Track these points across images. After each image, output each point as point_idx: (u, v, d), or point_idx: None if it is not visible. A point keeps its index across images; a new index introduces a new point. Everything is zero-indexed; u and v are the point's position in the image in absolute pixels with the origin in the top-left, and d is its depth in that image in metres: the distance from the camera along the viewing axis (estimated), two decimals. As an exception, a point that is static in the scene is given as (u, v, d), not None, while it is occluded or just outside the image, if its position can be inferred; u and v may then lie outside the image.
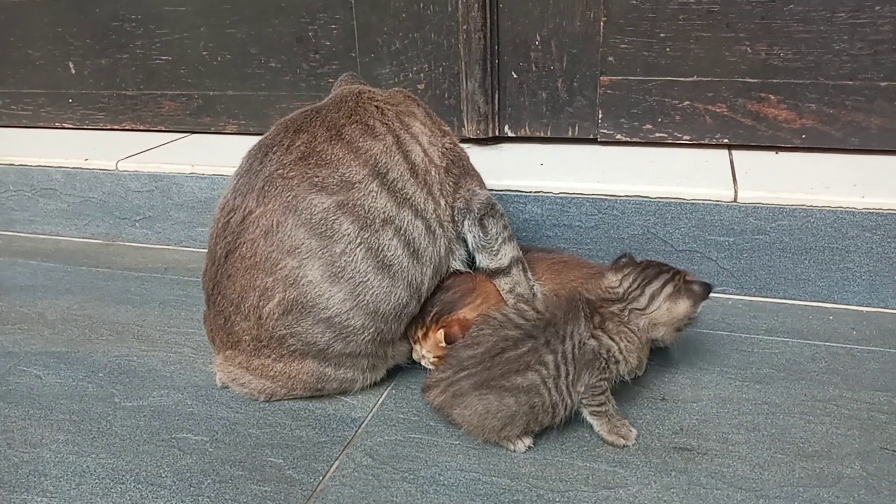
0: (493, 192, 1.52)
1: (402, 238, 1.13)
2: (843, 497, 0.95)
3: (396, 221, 1.13)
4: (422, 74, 1.82)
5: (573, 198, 1.50)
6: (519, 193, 1.54)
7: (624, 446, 1.05)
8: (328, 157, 1.13)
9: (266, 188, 1.11)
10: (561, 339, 1.04)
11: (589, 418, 1.07)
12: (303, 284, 1.09)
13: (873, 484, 0.96)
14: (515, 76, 1.76)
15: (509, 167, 1.63)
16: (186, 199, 1.82)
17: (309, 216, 1.09)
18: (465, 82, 1.74)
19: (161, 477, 1.04)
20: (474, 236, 1.23)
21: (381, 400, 1.19)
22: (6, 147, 2.10)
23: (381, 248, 1.11)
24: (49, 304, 1.58)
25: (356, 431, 1.12)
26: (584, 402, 1.05)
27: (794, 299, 1.44)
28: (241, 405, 1.19)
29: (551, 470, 1.01)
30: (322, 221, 1.09)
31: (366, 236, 1.10)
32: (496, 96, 1.77)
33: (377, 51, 1.85)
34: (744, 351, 1.28)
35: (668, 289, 1.09)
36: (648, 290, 1.09)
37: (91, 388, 1.26)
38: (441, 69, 1.79)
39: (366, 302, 1.11)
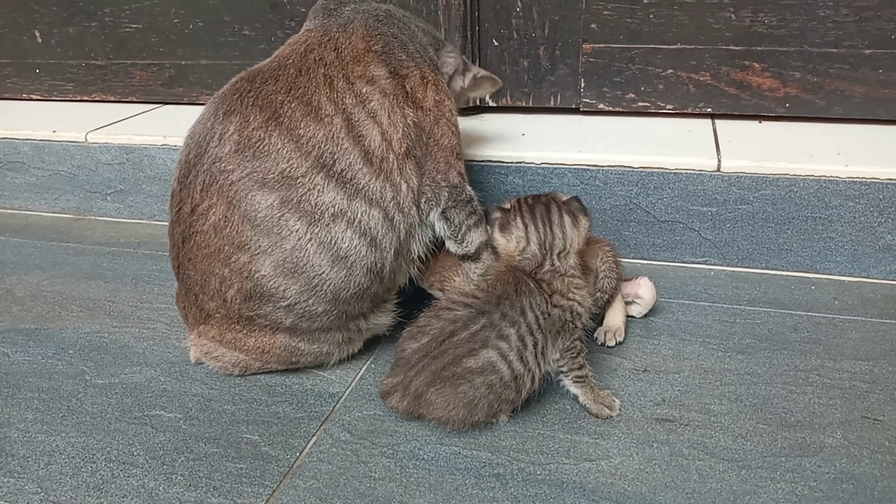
0: (474, 164, 1.50)
1: (357, 229, 1.06)
2: (825, 466, 0.94)
3: (349, 214, 1.05)
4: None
5: (555, 168, 1.48)
6: (500, 164, 1.51)
7: (608, 417, 1.04)
8: (265, 149, 1.04)
9: (207, 182, 1.05)
10: (520, 311, 0.99)
11: (573, 388, 1.05)
12: (257, 278, 1.05)
13: (854, 452, 0.96)
14: (496, 44, 1.72)
15: (490, 138, 1.60)
16: (159, 171, 1.77)
17: (254, 214, 1.03)
18: (444, 50, 1.70)
19: (133, 455, 1.01)
20: (440, 228, 1.17)
21: (359, 374, 1.17)
22: (-29, 119, 2.03)
23: (333, 242, 1.05)
24: (18, 281, 1.54)
25: (334, 406, 1.09)
26: (563, 368, 1.03)
27: (776, 269, 1.43)
28: (215, 381, 1.16)
29: (532, 443, 1.00)
30: (267, 219, 1.03)
31: (316, 231, 1.04)
32: (477, 64, 1.73)
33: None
34: (726, 322, 1.27)
35: (566, 218, 1.04)
36: (556, 229, 1.03)
37: (61, 366, 1.23)
38: (420, 37, 1.75)
39: (324, 292, 1.07)
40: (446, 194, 1.15)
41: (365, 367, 1.18)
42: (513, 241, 1.04)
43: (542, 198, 1.08)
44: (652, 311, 1.29)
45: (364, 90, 1.10)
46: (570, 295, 1.02)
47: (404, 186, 1.11)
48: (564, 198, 1.08)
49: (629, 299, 1.27)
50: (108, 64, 2.08)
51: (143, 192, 1.81)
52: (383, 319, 1.19)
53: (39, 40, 2.12)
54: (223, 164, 1.05)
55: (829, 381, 1.10)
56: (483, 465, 0.96)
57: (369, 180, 1.07)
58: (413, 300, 1.21)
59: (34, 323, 1.37)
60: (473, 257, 1.19)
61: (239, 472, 0.97)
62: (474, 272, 1.20)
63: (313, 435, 1.04)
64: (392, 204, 1.09)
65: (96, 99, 2.14)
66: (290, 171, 1.04)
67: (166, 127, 1.84)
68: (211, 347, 1.13)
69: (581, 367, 1.03)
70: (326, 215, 1.04)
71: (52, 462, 1.01)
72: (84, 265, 1.60)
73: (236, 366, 1.14)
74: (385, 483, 0.94)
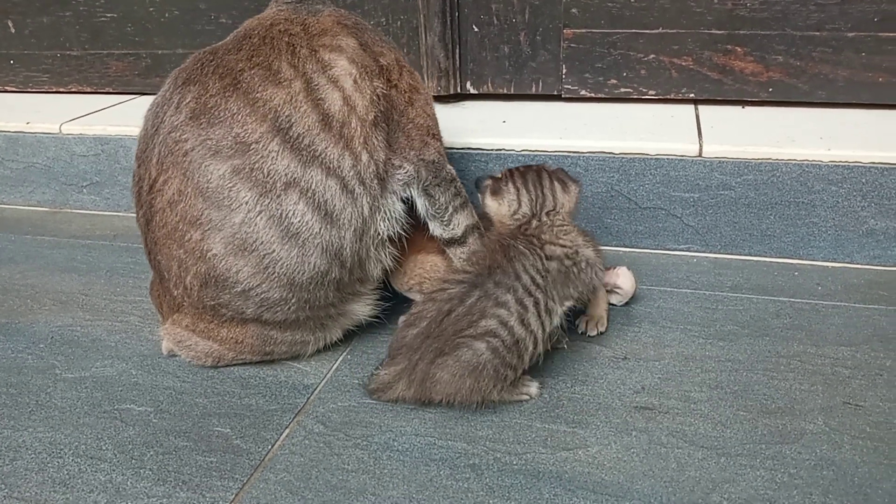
0: (455, 152, 1.47)
1: (311, 201, 1.01)
2: (806, 453, 0.93)
3: (302, 183, 1.01)
4: (379, 28, 1.74)
5: (536, 155, 1.45)
6: (480, 152, 1.48)
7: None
8: (221, 115, 1.00)
9: (163, 154, 1.02)
10: (514, 276, 0.99)
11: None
12: (209, 258, 1.02)
13: (835, 439, 0.95)
14: (477, 30, 1.69)
15: (471, 125, 1.57)
16: (133, 172, 1.74)
17: (206, 185, 1.00)
18: (424, 36, 1.68)
19: (101, 450, 0.99)
20: (422, 205, 1.14)
21: (335, 366, 1.15)
22: (-56, 111, 1.99)
23: (284, 216, 1.00)
24: (-10, 274, 1.51)
25: (308, 398, 1.07)
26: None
27: (759, 256, 1.42)
28: (187, 374, 1.14)
29: (509, 432, 0.98)
30: (219, 189, 1.00)
31: (266, 203, 1.00)
32: (457, 51, 1.71)
33: (332, 4, 1.76)
34: (708, 308, 1.25)
35: (556, 184, 1.10)
36: (546, 192, 1.09)
37: (31, 360, 1.20)
38: (399, 22, 1.72)
39: (276, 274, 1.02)
40: (424, 171, 1.12)
41: (341, 359, 1.16)
42: (504, 205, 1.09)
43: (532, 167, 1.12)
44: (633, 299, 1.27)
45: (328, 57, 1.06)
46: (560, 241, 1.04)
47: (365, 156, 1.05)
48: (552, 168, 1.13)
49: (608, 289, 1.25)
50: (84, 54, 2.04)
51: (119, 183, 1.78)
52: (359, 308, 1.15)
53: (13, 30, 2.08)
54: (178, 134, 1.01)
55: (811, 367, 1.09)
56: (458, 455, 0.95)
57: (327, 146, 1.02)
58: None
59: (5, 317, 1.34)
60: (460, 241, 1.16)
61: (209, 466, 0.95)
62: (460, 257, 1.17)
63: (286, 427, 1.02)
64: (351, 174, 1.04)
65: (72, 90, 2.10)
66: (244, 136, 1.00)
67: (141, 117, 1.80)
68: (184, 336, 1.11)
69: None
70: (279, 185, 1.00)
71: (18, 458, 0.98)
72: (58, 258, 1.57)
73: (209, 356, 1.11)
74: (358, 475, 0.92)
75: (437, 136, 1.17)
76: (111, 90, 2.06)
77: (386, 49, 1.14)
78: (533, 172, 1.11)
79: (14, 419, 1.06)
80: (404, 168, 1.11)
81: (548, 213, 1.08)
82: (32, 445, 1.01)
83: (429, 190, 1.13)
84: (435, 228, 1.16)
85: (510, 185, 1.10)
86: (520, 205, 1.08)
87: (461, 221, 1.16)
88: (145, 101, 1.96)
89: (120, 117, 1.82)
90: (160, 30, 1.94)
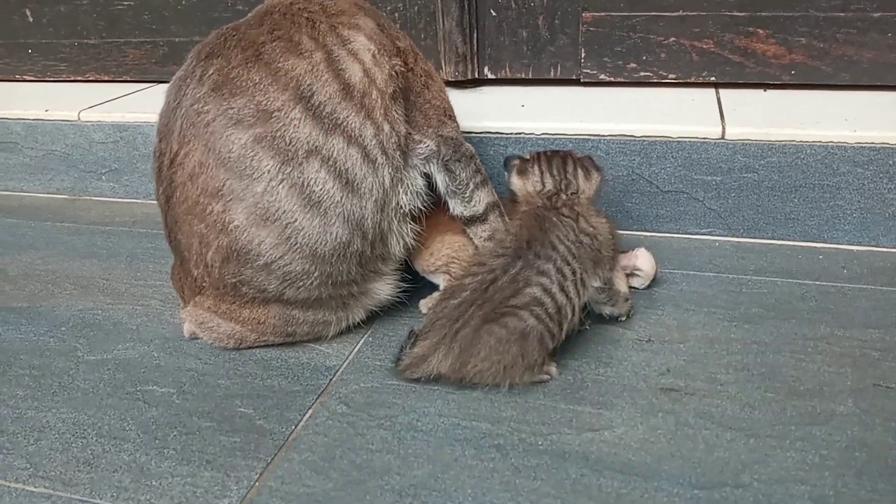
0: (473, 136, 1.47)
1: (332, 169, 1.01)
2: (836, 434, 0.91)
3: (323, 151, 1.00)
4: (396, 14, 1.73)
5: (556, 138, 1.44)
6: (499, 135, 1.47)
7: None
8: (243, 84, 1.00)
9: (185, 126, 1.02)
10: (551, 246, 1.01)
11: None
12: (231, 230, 1.01)
13: (866, 420, 0.93)
14: (494, 14, 1.68)
15: (489, 109, 1.56)
16: (153, 149, 1.74)
17: (227, 154, 1.00)
18: (441, 21, 1.66)
19: (125, 430, 0.99)
20: (442, 181, 1.14)
21: (357, 347, 1.14)
22: (-37, 100, 2.00)
23: (306, 183, 1.00)
24: (11, 260, 1.51)
25: (331, 380, 1.07)
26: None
27: (783, 239, 1.40)
28: (209, 356, 1.14)
29: (533, 413, 0.97)
30: (240, 159, 0.99)
31: (288, 171, 0.99)
32: (475, 36, 1.69)
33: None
34: (732, 292, 1.24)
35: (579, 171, 1.13)
36: (570, 177, 1.11)
37: (53, 343, 1.20)
38: (416, 7, 1.71)
39: (298, 245, 1.02)
40: (443, 146, 1.13)
41: (362, 341, 1.16)
42: (529, 184, 1.12)
43: (559, 152, 1.15)
44: (655, 282, 1.26)
45: (347, 33, 1.06)
46: (591, 221, 1.07)
47: (387, 127, 1.06)
48: (579, 155, 1.15)
49: (628, 272, 1.23)
50: (101, 43, 2.05)
51: (138, 170, 1.78)
52: (380, 287, 1.15)
53: (31, 19, 2.08)
54: (200, 105, 1.01)
55: (839, 349, 1.07)
56: (483, 435, 0.94)
57: (348, 115, 1.02)
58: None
59: (27, 301, 1.34)
60: (481, 218, 1.16)
61: (233, 446, 0.95)
62: (480, 236, 1.17)
63: (309, 408, 1.01)
64: (373, 143, 1.04)
65: (90, 79, 2.10)
66: (266, 105, 1.00)
67: (160, 104, 1.80)
68: (206, 318, 1.10)
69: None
70: (300, 153, 1.00)
71: (42, 438, 0.98)
72: (78, 244, 1.58)
73: (231, 337, 1.11)
74: (382, 455, 0.92)
75: (453, 118, 1.18)
76: (128, 78, 2.06)
77: (401, 36, 1.16)
78: (559, 157, 1.14)
79: (38, 400, 1.06)
80: (424, 143, 1.12)
81: (571, 194, 1.10)
82: (56, 426, 1.01)
83: (449, 165, 1.14)
84: (456, 206, 1.16)
85: (536, 167, 1.13)
86: (543, 186, 1.12)
87: (482, 198, 1.16)
88: (163, 89, 1.96)
89: (138, 104, 1.82)
90: (177, 18, 1.94)
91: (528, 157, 1.15)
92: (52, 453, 0.96)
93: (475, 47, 1.70)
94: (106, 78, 2.08)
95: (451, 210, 1.17)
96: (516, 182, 1.14)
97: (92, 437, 0.98)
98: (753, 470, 0.86)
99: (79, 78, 2.11)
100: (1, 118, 1.85)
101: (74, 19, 2.04)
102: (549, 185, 1.11)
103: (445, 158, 1.13)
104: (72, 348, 1.19)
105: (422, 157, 1.12)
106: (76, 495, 0.89)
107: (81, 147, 1.81)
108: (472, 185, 1.15)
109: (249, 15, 1.11)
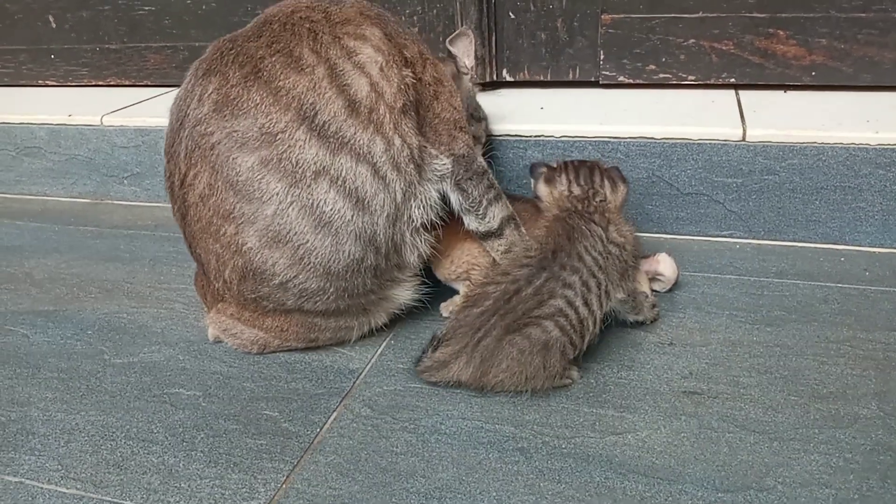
0: (493, 138, 1.47)
1: (342, 189, 1.00)
2: (861, 437, 0.91)
3: (332, 171, 0.99)
4: (415, 17, 1.74)
5: (575, 141, 1.44)
6: (519, 138, 1.48)
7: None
8: (244, 106, 0.98)
9: (190, 148, 1.02)
10: (578, 257, 1.01)
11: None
12: (245, 252, 1.02)
13: (891, 423, 0.93)
14: (513, 17, 1.68)
15: (508, 112, 1.57)
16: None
17: (235, 178, 0.99)
18: (460, 24, 1.67)
19: (152, 433, 1.01)
20: (456, 200, 1.13)
21: (379, 350, 1.15)
22: (-12, 105, 2.03)
23: (316, 205, 0.99)
24: (36, 264, 1.54)
25: (354, 382, 1.08)
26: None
27: (804, 241, 1.39)
28: (234, 359, 1.15)
29: (556, 417, 0.98)
30: (248, 182, 0.99)
31: (297, 193, 0.98)
32: (493, 39, 1.70)
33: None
34: (753, 294, 1.24)
35: (606, 182, 1.13)
36: (597, 187, 1.12)
37: (80, 346, 1.22)
38: (435, 11, 1.72)
39: (312, 264, 1.02)
40: (455, 164, 1.12)
41: (385, 344, 1.17)
42: (556, 192, 1.13)
43: (587, 162, 1.16)
44: (676, 285, 1.26)
45: (352, 44, 1.03)
46: (621, 230, 1.08)
47: (398, 141, 1.03)
48: (607, 166, 1.15)
49: (650, 276, 1.23)
50: (122, 48, 2.07)
51: (160, 174, 1.80)
52: (400, 293, 1.15)
53: (53, 25, 2.11)
54: (203, 127, 1.00)
55: (862, 351, 1.07)
56: (506, 438, 0.95)
57: (355, 132, 1.00)
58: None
59: (53, 304, 1.36)
60: (497, 233, 1.15)
61: (259, 448, 0.96)
62: (497, 250, 1.16)
63: (333, 411, 1.02)
64: (384, 159, 1.02)
65: (111, 83, 2.13)
66: (269, 127, 0.98)
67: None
68: (230, 324, 1.12)
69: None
70: (308, 174, 0.99)
71: (73, 440, 1.00)
72: (102, 248, 1.60)
73: (255, 343, 1.13)
74: (407, 457, 0.93)
75: (464, 129, 1.15)
76: (149, 83, 2.08)
77: (409, 41, 1.12)
78: (586, 167, 1.15)
79: (67, 402, 1.08)
80: (440, 159, 1.11)
81: (598, 203, 1.11)
82: (85, 428, 1.02)
83: (461, 184, 1.12)
84: (471, 222, 1.15)
85: (563, 176, 1.13)
86: (570, 193, 1.12)
87: (496, 214, 1.15)
88: (183, 93, 1.99)
89: (160, 109, 1.84)
90: (197, 22, 1.96)
91: (555, 165, 1.16)
92: (83, 455, 0.97)
93: (494, 50, 1.71)
94: (127, 82, 2.11)
95: (467, 225, 1.16)
96: (543, 190, 1.14)
97: (121, 439, 1.00)
98: (777, 473, 0.87)
99: (100, 82, 2.14)
100: (25, 123, 1.88)
101: (96, 25, 2.07)
102: (577, 194, 1.11)
103: (458, 178, 1.12)
104: (98, 351, 1.20)
105: (437, 174, 1.11)
106: (107, 497, 0.90)
107: (104, 151, 1.83)
108: (485, 202, 1.14)
109: (248, 25, 1.08)
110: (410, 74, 1.07)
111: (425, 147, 1.09)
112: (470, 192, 1.13)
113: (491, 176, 1.17)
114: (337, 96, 1.00)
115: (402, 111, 1.05)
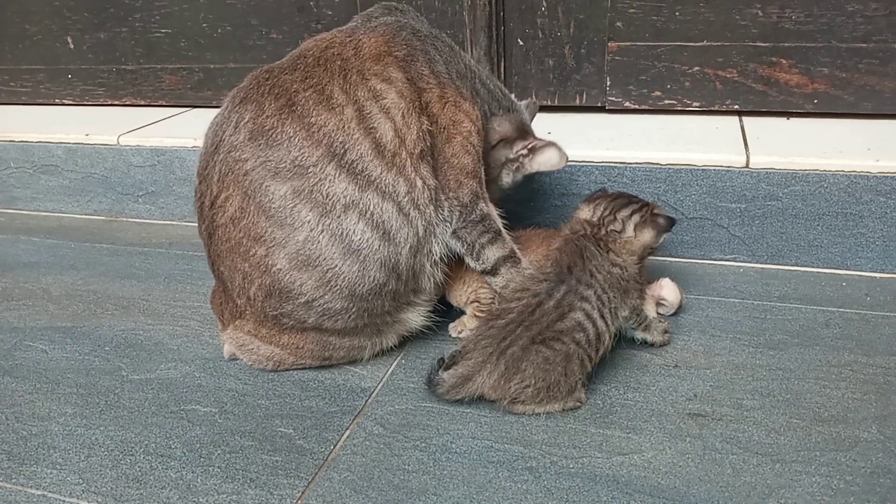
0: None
1: (370, 221, 1.05)
2: (861, 461, 0.93)
3: (360, 205, 1.05)
4: (426, 43, 1.78)
5: (582, 165, 1.48)
6: (526, 162, 1.51)
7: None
8: (278, 137, 1.04)
9: (223, 172, 1.06)
10: (590, 274, 1.06)
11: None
12: (273, 272, 1.06)
13: (891, 447, 0.95)
14: (521, 43, 1.72)
15: (516, 136, 1.60)
16: (189, 173, 1.80)
17: (269, 204, 1.04)
18: (470, 50, 1.71)
19: (170, 448, 1.03)
20: (454, 245, 1.16)
21: (391, 370, 1.18)
22: (6, 124, 2.07)
23: (345, 234, 1.04)
24: (53, 280, 1.57)
25: (366, 401, 1.11)
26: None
27: (806, 266, 1.42)
28: (249, 377, 1.18)
29: (564, 437, 1.00)
30: (281, 209, 1.04)
31: (327, 223, 1.04)
32: (502, 64, 1.74)
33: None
34: (756, 318, 1.26)
35: (636, 217, 1.14)
36: (619, 216, 1.14)
37: (98, 362, 1.25)
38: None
39: (339, 287, 1.06)
40: (457, 214, 1.14)
41: (396, 363, 1.20)
42: (582, 213, 1.17)
43: (636, 197, 1.19)
44: (681, 309, 1.29)
45: (379, 87, 1.08)
46: (622, 255, 1.11)
47: (419, 183, 1.09)
48: (657, 210, 1.16)
49: (654, 301, 1.26)
50: (139, 68, 2.12)
51: (174, 193, 1.84)
52: (413, 317, 1.19)
53: (72, 46, 2.16)
54: (238, 153, 1.06)
55: (863, 376, 1.10)
56: (516, 458, 0.97)
57: (381, 172, 1.06)
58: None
59: (70, 321, 1.40)
60: (492, 272, 1.18)
61: (274, 465, 0.99)
62: (496, 285, 1.19)
63: (346, 428, 1.05)
64: (406, 199, 1.08)
65: (127, 103, 2.18)
66: (301, 160, 1.04)
67: (196, 129, 1.86)
68: (246, 340, 1.15)
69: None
70: (338, 206, 1.04)
71: (93, 454, 1.03)
72: (117, 265, 1.63)
73: (270, 360, 1.16)
74: (419, 475, 0.95)
75: (472, 174, 1.15)
76: (164, 103, 2.13)
77: (433, 82, 1.13)
78: (623, 198, 1.17)
79: (86, 418, 1.11)
80: (444, 206, 1.14)
81: (610, 231, 1.13)
82: (105, 443, 1.05)
83: (458, 233, 1.15)
84: (469, 262, 1.19)
85: (597, 201, 1.17)
86: (592, 213, 1.16)
87: (490, 256, 1.17)
88: (198, 114, 2.04)
89: (175, 129, 1.89)
90: (212, 45, 2.01)
91: (607, 192, 1.20)
92: (103, 469, 1.00)
93: (503, 75, 1.75)
94: (142, 102, 2.16)
95: (467, 262, 1.19)
96: (580, 207, 1.19)
97: (139, 454, 1.02)
98: (779, 495, 0.89)
99: (116, 102, 2.19)
100: (43, 142, 1.92)
101: (113, 46, 2.12)
102: (592, 219, 1.15)
103: (455, 227, 1.15)
104: (116, 367, 1.23)
105: (444, 218, 1.14)
106: (127, 511, 0.93)
107: (120, 170, 1.87)
108: (477, 246, 1.16)
109: (285, 58, 1.14)
110: (427, 122, 1.11)
111: (439, 189, 1.13)
112: (465, 239, 1.16)
113: (488, 222, 1.17)
114: (364, 138, 1.05)
115: (420, 156, 1.09)
